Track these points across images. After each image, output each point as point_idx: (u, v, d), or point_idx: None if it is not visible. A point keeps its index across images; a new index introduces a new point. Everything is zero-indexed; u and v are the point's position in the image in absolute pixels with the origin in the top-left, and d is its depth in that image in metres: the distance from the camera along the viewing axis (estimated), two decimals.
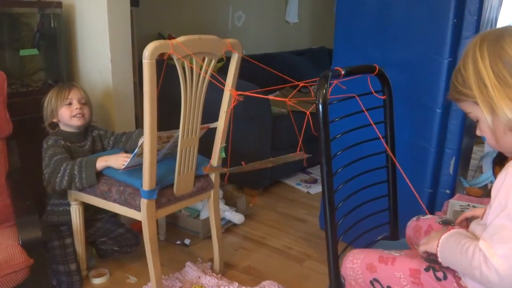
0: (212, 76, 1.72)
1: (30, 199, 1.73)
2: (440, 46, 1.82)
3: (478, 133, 1.04)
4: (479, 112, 0.99)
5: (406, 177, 1.51)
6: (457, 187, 2.02)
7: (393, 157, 1.62)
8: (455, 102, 1.07)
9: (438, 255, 1.08)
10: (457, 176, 1.97)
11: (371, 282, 1.23)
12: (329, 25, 2.90)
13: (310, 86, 1.50)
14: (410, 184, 1.47)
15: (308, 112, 1.40)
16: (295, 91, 1.60)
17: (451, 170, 1.95)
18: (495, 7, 2.25)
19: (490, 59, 0.96)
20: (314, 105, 1.38)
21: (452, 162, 1.94)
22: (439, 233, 1.11)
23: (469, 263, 0.98)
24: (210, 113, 1.92)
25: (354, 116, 1.53)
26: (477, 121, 1.03)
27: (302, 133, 1.47)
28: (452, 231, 1.09)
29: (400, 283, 1.18)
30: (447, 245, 1.06)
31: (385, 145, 1.59)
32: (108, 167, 1.88)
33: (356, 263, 1.27)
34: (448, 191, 1.97)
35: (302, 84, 1.52)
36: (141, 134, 1.80)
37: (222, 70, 2.00)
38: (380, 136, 1.50)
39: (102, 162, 1.88)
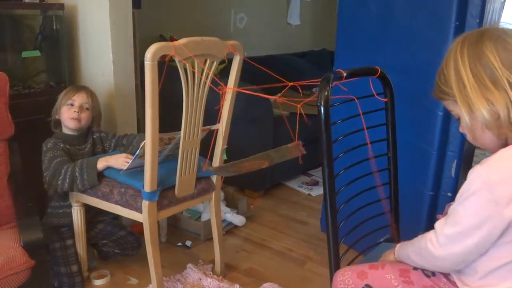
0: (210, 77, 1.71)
1: (31, 200, 1.73)
2: (442, 48, 1.78)
3: (460, 129, 1.08)
4: (459, 111, 1.02)
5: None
6: (459, 189, 2.01)
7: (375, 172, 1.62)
8: (438, 100, 1.11)
9: (396, 255, 1.24)
10: (458, 178, 1.96)
11: None
12: (331, 27, 2.91)
13: (300, 86, 1.49)
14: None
15: (299, 106, 1.38)
16: (285, 89, 1.58)
17: (452, 173, 1.95)
18: (497, 10, 2.25)
19: (469, 60, 0.99)
20: (304, 102, 1.38)
21: (454, 165, 1.94)
22: (393, 247, 1.27)
23: (418, 247, 1.12)
24: (211, 114, 1.92)
25: (357, 118, 1.53)
26: (459, 118, 1.06)
27: (297, 123, 1.44)
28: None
29: (392, 284, 1.20)
30: (401, 247, 1.22)
31: (370, 151, 1.59)
32: (109, 168, 1.88)
33: (347, 274, 1.28)
34: (449, 194, 1.96)
35: (292, 84, 1.51)
36: (142, 138, 1.80)
37: (224, 72, 2.00)
38: (368, 142, 1.50)
39: (103, 163, 1.88)
